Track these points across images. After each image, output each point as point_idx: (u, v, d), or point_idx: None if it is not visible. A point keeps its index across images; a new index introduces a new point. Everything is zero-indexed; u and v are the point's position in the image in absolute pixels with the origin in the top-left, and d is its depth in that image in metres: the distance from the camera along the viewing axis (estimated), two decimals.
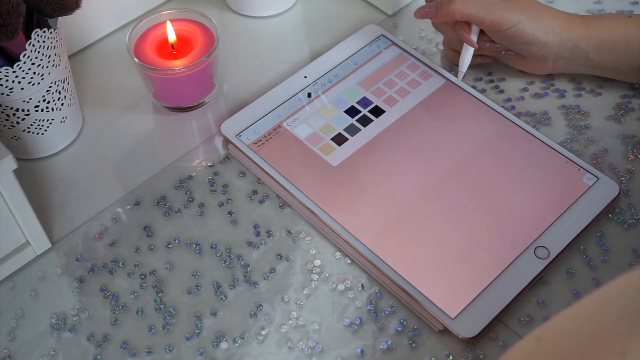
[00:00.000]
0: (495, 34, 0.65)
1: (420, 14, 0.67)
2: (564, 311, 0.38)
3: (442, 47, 0.73)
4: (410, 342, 0.55)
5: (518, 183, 0.61)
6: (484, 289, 0.55)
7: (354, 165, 0.63)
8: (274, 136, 0.65)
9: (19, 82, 0.58)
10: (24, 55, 0.56)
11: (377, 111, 0.67)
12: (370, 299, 0.57)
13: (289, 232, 0.61)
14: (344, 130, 0.65)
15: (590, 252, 0.59)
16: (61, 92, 0.62)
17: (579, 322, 0.37)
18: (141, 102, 0.70)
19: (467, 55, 0.67)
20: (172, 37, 0.66)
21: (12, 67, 0.56)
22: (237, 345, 0.55)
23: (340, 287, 0.57)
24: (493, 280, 0.56)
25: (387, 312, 0.56)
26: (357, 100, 0.67)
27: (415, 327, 0.55)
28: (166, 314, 0.56)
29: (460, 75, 0.68)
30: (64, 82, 0.62)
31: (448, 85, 0.68)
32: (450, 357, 0.54)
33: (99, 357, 0.54)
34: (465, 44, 0.67)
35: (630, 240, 0.59)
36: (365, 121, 0.66)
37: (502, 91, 0.70)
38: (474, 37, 0.66)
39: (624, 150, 0.65)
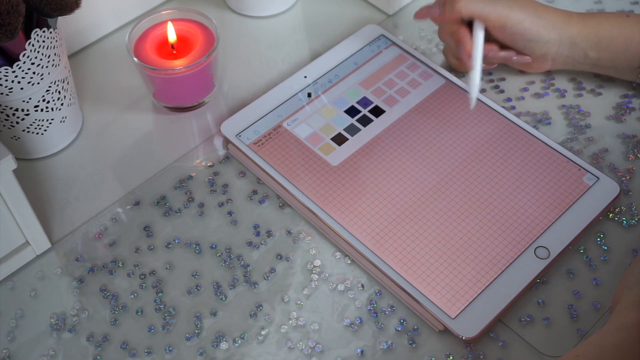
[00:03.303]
0: (500, 32, 0.65)
1: (422, 14, 0.67)
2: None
3: (441, 47, 0.73)
4: (410, 342, 0.55)
5: (518, 183, 0.61)
6: (484, 289, 0.55)
7: (354, 165, 0.63)
8: (274, 136, 0.65)
9: (19, 82, 0.58)
10: (24, 55, 0.56)
11: (377, 111, 0.66)
12: (370, 299, 0.57)
13: (289, 232, 0.61)
14: (344, 130, 0.65)
15: (590, 252, 0.59)
16: (61, 92, 0.62)
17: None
18: (141, 102, 0.70)
19: (475, 79, 0.64)
20: (172, 37, 0.66)
21: (12, 67, 0.56)
22: (237, 345, 0.55)
23: (340, 287, 0.57)
24: (493, 280, 0.56)
25: (387, 312, 0.56)
26: (357, 100, 0.67)
27: (415, 327, 0.55)
28: (166, 314, 0.56)
29: (473, 102, 0.64)
30: (63, 82, 0.62)
31: (448, 85, 0.68)
32: (450, 357, 0.54)
33: (98, 357, 0.54)
34: (471, 73, 0.64)
35: (630, 240, 0.59)
36: (365, 121, 0.66)
37: (502, 91, 0.70)
38: (477, 53, 0.64)
39: (624, 150, 0.65)
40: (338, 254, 0.59)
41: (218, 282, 0.58)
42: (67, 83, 0.63)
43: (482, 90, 0.69)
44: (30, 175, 0.64)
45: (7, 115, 0.60)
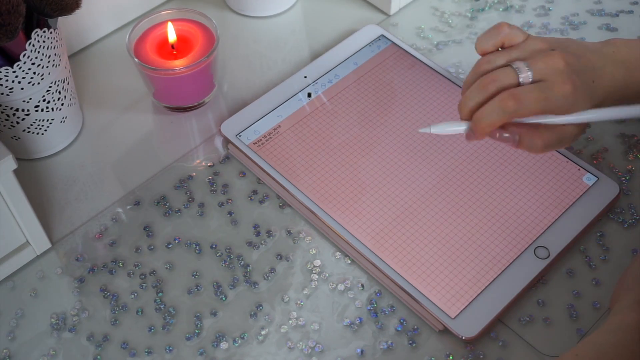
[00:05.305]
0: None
1: (494, 136, 0.54)
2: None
3: (441, 47, 0.73)
4: (410, 342, 0.55)
5: (518, 183, 0.61)
6: (484, 289, 0.55)
7: (354, 165, 0.63)
8: (274, 136, 0.65)
9: (19, 82, 0.58)
10: (24, 55, 0.56)
11: (377, 111, 0.67)
12: (370, 299, 0.57)
13: (289, 232, 0.61)
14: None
15: (590, 252, 0.59)
16: (61, 92, 0.62)
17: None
18: (141, 102, 0.70)
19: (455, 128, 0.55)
20: (172, 37, 0.66)
21: (12, 67, 0.56)
22: (237, 345, 0.55)
23: (340, 287, 0.57)
24: (493, 280, 0.56)
25: (387, 312, 0.56)
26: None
27: (415, 327, 0.55)
28: (166, 314, 0.56)
29: (428, 129, 0.55)
30: (64, 82, 0.62)
31: (448, 85, 0.68)
32: (450, 357, 0.54)
33: (99, 357, 0.54)
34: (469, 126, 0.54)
35: (630, 240, 0.59)
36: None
37: None
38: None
39: (624, 150, 0.65)
40: (338, 254, 0.59)
41: (218, 282, 0.58)
42: (68, 83, 0.63)
43: None
44: (31, 175, 0.64)
45: (8, 115, 0.60)
